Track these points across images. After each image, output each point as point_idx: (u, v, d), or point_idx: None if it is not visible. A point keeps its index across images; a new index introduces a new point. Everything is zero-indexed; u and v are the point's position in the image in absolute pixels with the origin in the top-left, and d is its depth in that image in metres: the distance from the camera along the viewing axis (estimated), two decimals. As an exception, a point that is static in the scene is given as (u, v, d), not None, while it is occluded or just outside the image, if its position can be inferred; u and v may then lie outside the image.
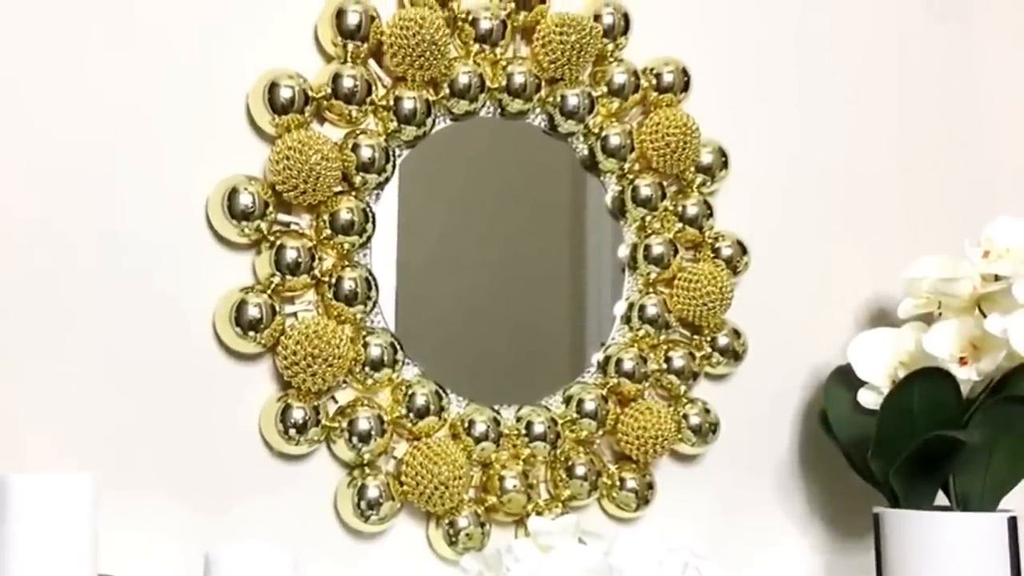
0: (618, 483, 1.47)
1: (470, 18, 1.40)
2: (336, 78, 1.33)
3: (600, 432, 1.45)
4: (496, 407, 1.42)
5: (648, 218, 1.49)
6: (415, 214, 1.40)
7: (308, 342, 1.27)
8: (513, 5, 1.42)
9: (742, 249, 1.54)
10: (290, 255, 1.29)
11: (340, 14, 1.33)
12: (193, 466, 1.29)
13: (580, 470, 1.43)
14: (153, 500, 1.27)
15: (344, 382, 1.34)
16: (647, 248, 1.48)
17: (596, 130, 1.47)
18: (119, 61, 1.27)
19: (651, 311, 1.48)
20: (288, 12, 1.37)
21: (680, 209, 1.51)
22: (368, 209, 1.34)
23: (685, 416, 1.50)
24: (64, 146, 1.24)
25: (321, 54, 1.37)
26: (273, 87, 1.30)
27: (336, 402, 1.34)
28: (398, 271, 1.39)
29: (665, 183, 1.50)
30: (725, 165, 1.54)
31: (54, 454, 1.22)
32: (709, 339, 1.52)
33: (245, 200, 1.28)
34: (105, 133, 1.26)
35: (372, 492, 1.33)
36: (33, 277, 1.22)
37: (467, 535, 1.37)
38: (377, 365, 1.34)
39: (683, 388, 1.50)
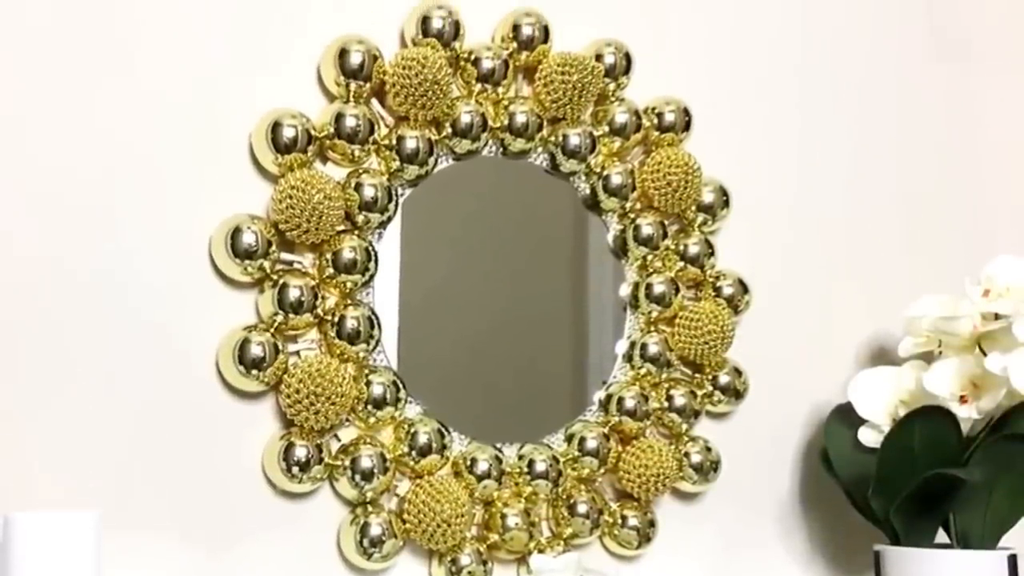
0: (620, 521, 1.47)
1: (472, 58, 1.41)
2: (339, 118, 1.34)
3: (602, 470, 1.46)
4: (498, 445, 1.42)
5: (649, 257, 1.50)
6: (417, 253, 1.41)
7: (311, 380, 1.28)
8: (515, 45, 1.44)
9: (743, 288, 1.55)
10: (293, 294, 1.30)
11: (343, 54, 1.35)
12: (196, 503, 1.29)
13: (582, 508, 1.44)
14: (157, 538, 1.27)
15: (347, 420, 1.34)
16: (648, 287, 1.49)
17: (598, 169, 1.48)
18: (122, 100, 1.29)
19: (652, 349, 1.49)
20: (291, 51, 1.38)
21: (682, 248, 1.52)
22: (371, 248, 1.35)
23: (687, 454, 1.50)
24: (67, 184, 1.25)
25: (324, 93, 1.38)
26: (276, 127, 1.31)
27: (339, 440, 1.35)
28: (400, 310, 1.40)
29: (666, 222, 1.51)
30: (726, 204, 1.55)
31: (58, 492, 1.23)
32: (710, 377, 1.53)
33: (248, 239, 1.29)
34: (108, 171, 1.27)
35: (375, 530, 1.33)
36: (37, 315, 1.22)
37: (469, 572, 1.38)
38: (380, 403, 1.34)
39: (684, 426, 1.51)
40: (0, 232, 1.22)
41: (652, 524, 1.49)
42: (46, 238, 1.24)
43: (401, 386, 1.37)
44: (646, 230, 1.49)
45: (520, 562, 1.43)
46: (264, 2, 1.37)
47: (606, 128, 1.48)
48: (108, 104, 1.27)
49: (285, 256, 1.33)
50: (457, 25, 1.40)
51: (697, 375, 1.53)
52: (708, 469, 1.52)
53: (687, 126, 1.53)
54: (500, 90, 1.43)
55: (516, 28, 1.44)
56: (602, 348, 1.51)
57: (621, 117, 1.48)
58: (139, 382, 1.27)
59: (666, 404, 1.50)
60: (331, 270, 1.33)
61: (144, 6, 1.31)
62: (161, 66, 1.30)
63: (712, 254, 1.53)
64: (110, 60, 1.28)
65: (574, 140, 1.45)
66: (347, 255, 1.33)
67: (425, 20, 1.39)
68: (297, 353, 1.33)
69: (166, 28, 1.31)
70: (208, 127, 1.33)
